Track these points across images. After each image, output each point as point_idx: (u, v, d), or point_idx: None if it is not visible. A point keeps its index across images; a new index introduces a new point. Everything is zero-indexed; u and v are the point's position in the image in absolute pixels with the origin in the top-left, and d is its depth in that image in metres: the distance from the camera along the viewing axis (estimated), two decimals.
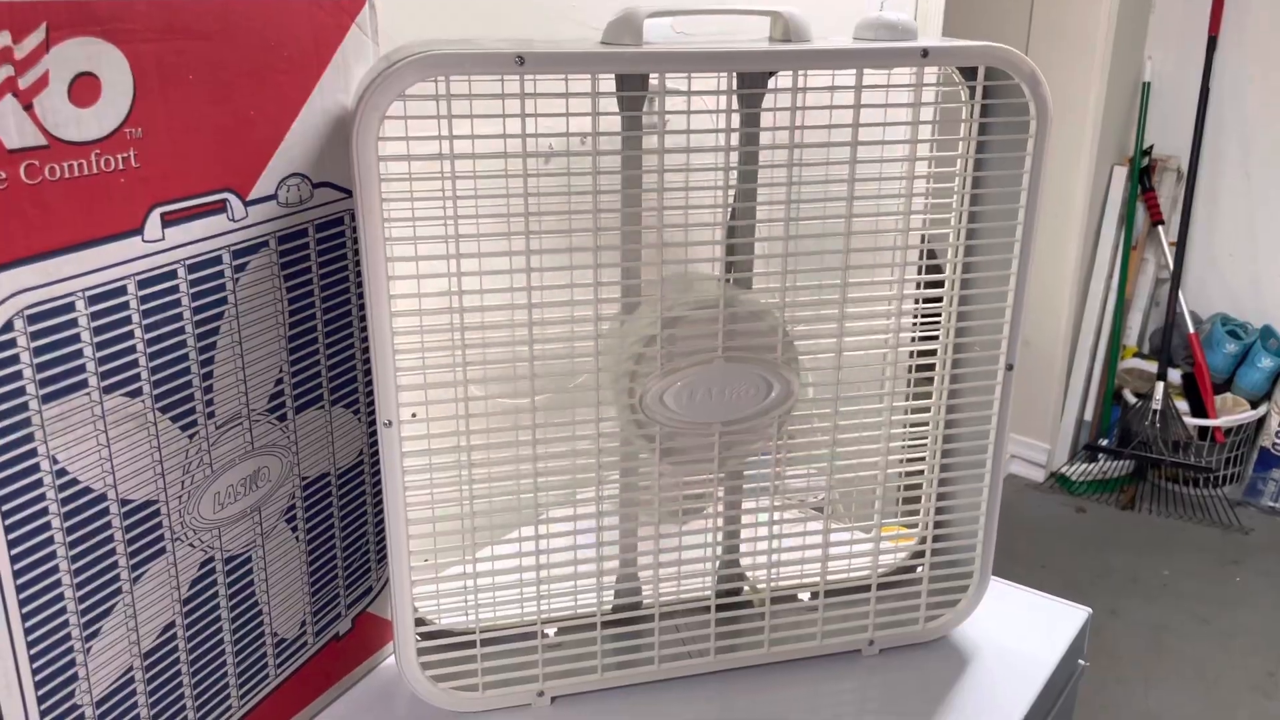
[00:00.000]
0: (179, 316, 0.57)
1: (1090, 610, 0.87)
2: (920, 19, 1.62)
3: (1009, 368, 0.75)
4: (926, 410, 0.77)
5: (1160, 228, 2.68)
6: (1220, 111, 2.61)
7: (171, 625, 0.60)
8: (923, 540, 0.81)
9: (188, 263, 0.57)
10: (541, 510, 0.70)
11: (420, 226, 0.62)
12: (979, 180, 0.72)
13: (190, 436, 0.58)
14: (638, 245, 0.68)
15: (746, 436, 0.72)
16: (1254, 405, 2.60)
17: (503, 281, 0.64)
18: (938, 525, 0.80)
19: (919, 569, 0.81)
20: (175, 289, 0.56)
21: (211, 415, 0.59)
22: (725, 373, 0.69)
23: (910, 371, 0.76)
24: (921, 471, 0.79)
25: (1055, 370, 2.68)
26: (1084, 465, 2.65)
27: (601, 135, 0.63)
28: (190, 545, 0.60)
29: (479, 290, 0.64)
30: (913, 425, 0.78)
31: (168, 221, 0.55)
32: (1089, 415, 2.74)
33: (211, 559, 0.61)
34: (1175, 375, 2.65)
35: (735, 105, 0.67)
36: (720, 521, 0.76)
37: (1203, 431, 2.58)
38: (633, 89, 0.65)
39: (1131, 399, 2.67)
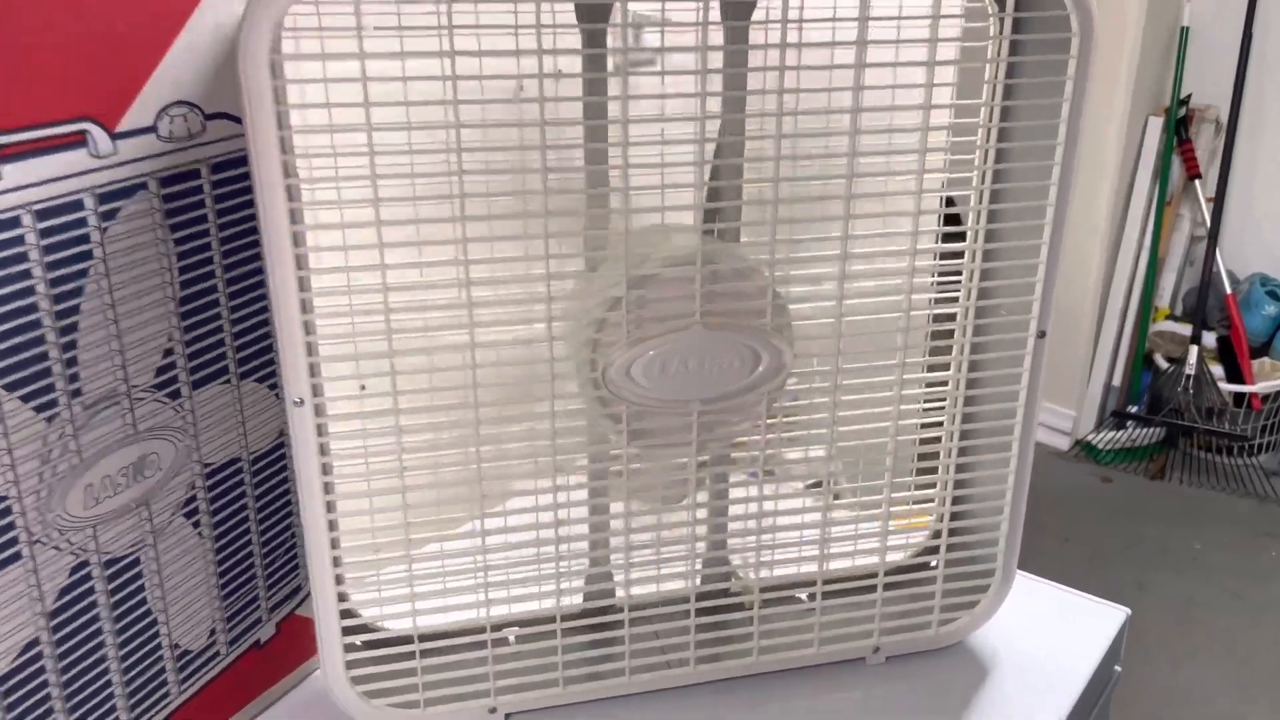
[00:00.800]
0: (26, 274, 0.46)
1: (1129, 611, 0.77)
2: None
3: (1040, 335, 0.64)
4: (944, 382, 0.66)
5: (1197, 182, 2.55)
6: (1263, 58, 2.45)
7: (35, 643, 0.50)
8: (937, 530, 0.70)
9: (36, 208, 0.46)
10: (493, 499, 0.60)
11: (341, 166, 0.52)
12: (1009, 112, 0.60)
13: (49, 420, 0.48)
14: (603, 189, 0.57)
15: (730, 416, 0.61)
16: None
17: (441, 232, 0.54)
18: (955, 513, 0.70)
19: (933, 562, 0.71)
20: (19, 240, 0.46)
21: (77, 394, 0.49)
22: (704, 341, 0.58)
23: (926, 339, 0.65)
24: (937, 451, 0.68)
25: (1082, 333, 2.56)
26: (1111, 433, 2.54)
27: (556, 54, 0.52)
28: (56, 548, 0.50)
29: (415, 242, 0.54)
30: (928, 399, 0.67)
31: (6, 156, 0.45)
32: (1117, 380, 2.62)
33: (86, 563, 0.52)
34: (1210, 338, 2.52)
35: (717, 18, 0.56)
36: (703, 508, 0.66)
37: (1238, 398, 2.46)
38: (596, 18, 0.54)
39: (1163, 363, 2.55)
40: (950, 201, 0.63)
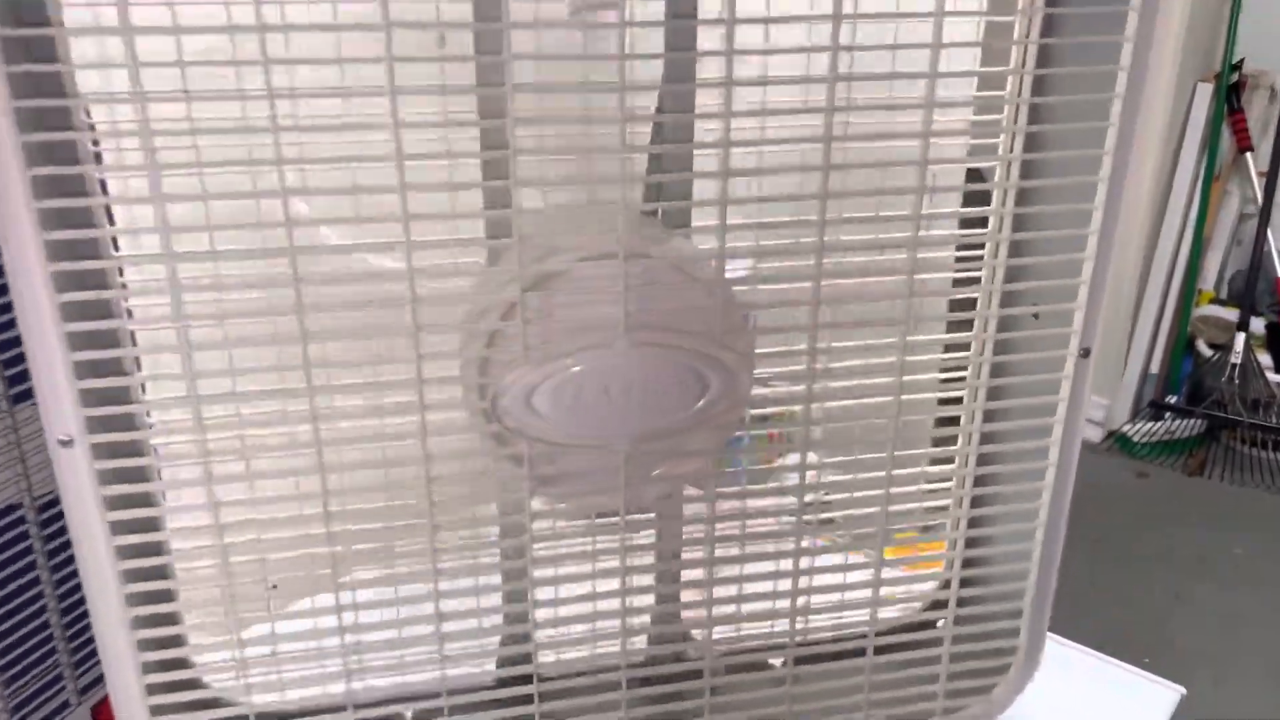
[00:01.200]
0: None
1: (1184, 691, 0.62)
2: None
3: (1084, 354, 0.48)
4: (957, 402, 0.51)
5: (1248, 155, 2.39)
6: None
7: None
8: (945, 583, 0.55)
9: None
10: (346, 569, 0.45)
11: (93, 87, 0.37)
12: (1050, 53, 0.44)
13: None
14: (496, 152, 0.42)
15: (671, 460, 0.47)
16: None
17: (259, 210, 0.39)
18: (969, 561, 0.55)
19: (938, 625, 0.56)
20: None
21: None
22: (632, 361, 0.44)
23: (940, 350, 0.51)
24: (949, 484, 0.53)
25: (1119, 316, 2.41)
26: (1148, 424, 2.40)
27: None
28: None
29: (201, 195, 0.39)
30: (939, 421, 0.52)
31: None
32: (1155, 368, 2.48)
33: None
34: (1258, 325, 2.38)
35: None
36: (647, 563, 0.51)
37: None
38: None
39: (1206, 351, 2.41)
40: (977, 175, 0.48)
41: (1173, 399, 2.43)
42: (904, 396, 0.48)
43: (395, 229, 0.40)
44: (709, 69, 0.43)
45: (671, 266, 0.43)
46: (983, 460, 0.51)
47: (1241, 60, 2.38)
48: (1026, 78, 0.44)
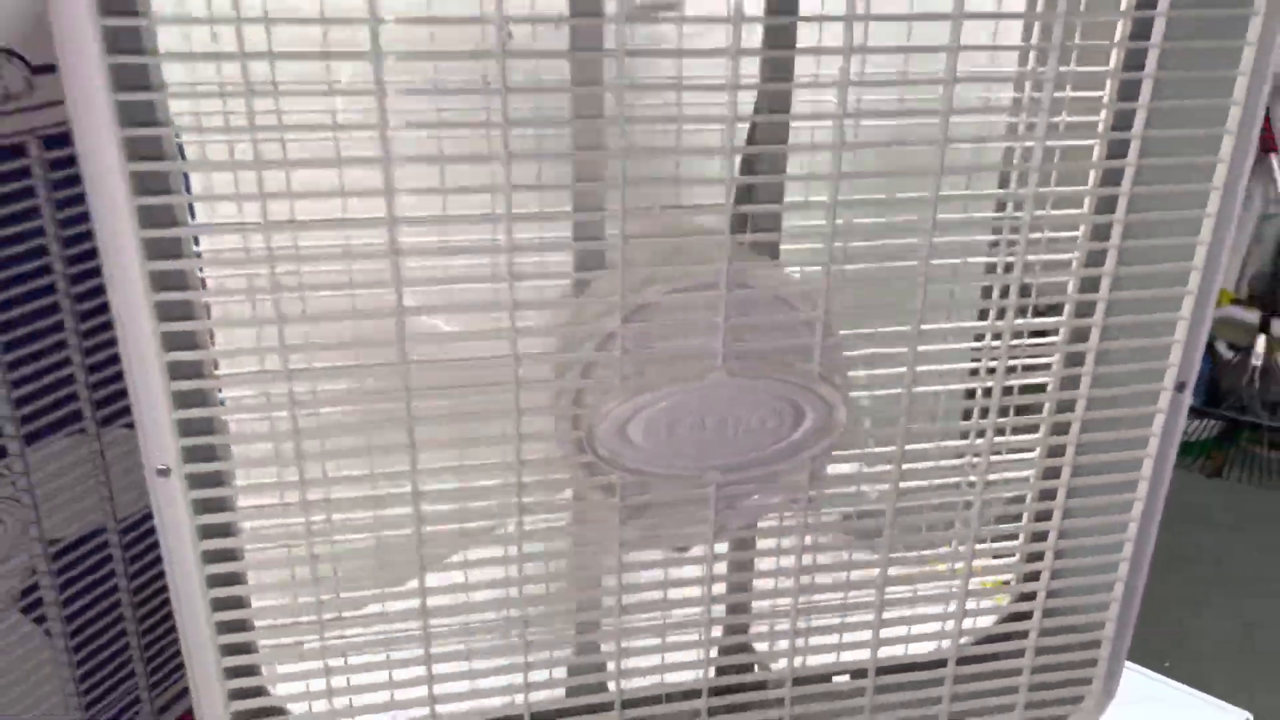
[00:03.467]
0: None
1: (1250, 716, 0.62)
2: None
3: (1179, 388, 0.48)
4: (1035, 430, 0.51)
5: (1272, 156, 2.36)
6: None
7: None
8: (1025, 599, 0.55)
9: None
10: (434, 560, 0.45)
11: (205, 141, 0.36)
12: (1158, 86, 0.44)
13: None
14: (591, 183, 0.41)
15: (760, 488, 0.46)
16: None
17: (360, 242, 0.38)
18: (1053, 591, 0.54)
19: (1020, 643, 0.55)
20: None
21: None
22: (728, 392, 0.43)
23: (1017, 372, 0.50)
24: (1022, 514, 0.53)
25: None
26: None
27: None
28: None
29: (310, 247, 0.38)
30: (1015, 450, 0.51)
31: None
32: None
33: None
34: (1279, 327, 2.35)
35: None
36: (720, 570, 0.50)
37: None
38: None
39: (1225, 352, 2.40)
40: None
41: (1191, 400, 2.42)
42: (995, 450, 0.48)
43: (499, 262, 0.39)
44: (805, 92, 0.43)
45: (772, 298, 0.43)
46: (1073, 493, 0.51)
47: None
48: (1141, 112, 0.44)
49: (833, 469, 0.47)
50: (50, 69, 0.39)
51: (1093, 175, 0.45)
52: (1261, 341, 2.29)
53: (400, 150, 0.37)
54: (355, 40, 0.36)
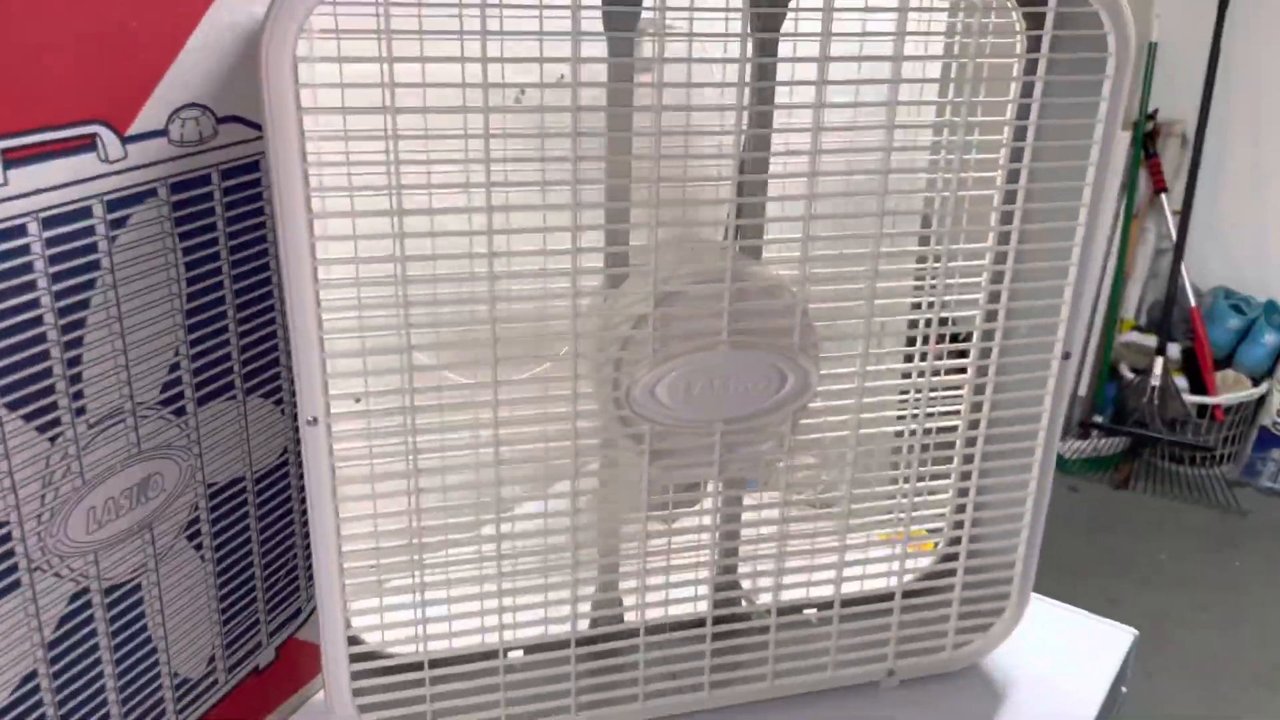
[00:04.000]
0: (31, 285, 0.44)
1: (1136, 633, 0.76)
2: None
3: (1065, 357, 0.63)
4: (961, 400, 0.65)
5: (1163, 196, 2.57)
6: (1230, 75, 2.49)
7: (33, 675, 0.47)
8: (953, 551, 0.69)
9: (42, 215, 0.43)
10: (505, 508, 0.57)
11: (355, 175, 0.49)
12: (1043, 132, 0.59)
13: (52, 440, 0.46)
14: (626, 203, 0.55)
15: (753, 436, 0.60)
16: (1255, 383, 2.51)
17: (459, 245, 0.52)
18: (974, 535, 0.69)
19: (949, 583, 0.69)
20: (25, 249, 0.43)
21: (81, 412, 0.47)
22: (731, 361, 0.57)
23: (944, 357, 0.64)
24: (952, 471, 0.67)
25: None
26: (1077, 442, 2.56)
27: (583, 63, 0.51)
28: (56, 575, 0.47)
29: (430, 256, 0.51)
30: (947, 418, 0.66)
31: (11, 161, 0.42)
32: (1083, 390, 2.65)
33: (86, 590, 0.49)
34: (1175, 350, 2.55)
35: (748, 29, 0.54)
36: (718, 521, 0.64)
37: (1201, 409, 2.49)
38: (622, 4, 0.52)
39: (1128, 374, 2.57)
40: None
41: (1099, 419, 2.60)
42: (926, 414, 0.62)
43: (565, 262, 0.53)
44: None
45: (762, 289, 0.57)
46: (985, 456, 0.65)
47: (1156, 110, 2.58)
48: (1031, 131, 0.59)
49: (804, 422, 0.61)
50: (231, 119, 0.51)
51: (994, 216, 0.60)
52: (1159, 364, 2.48)
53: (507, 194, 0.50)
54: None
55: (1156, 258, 2.67)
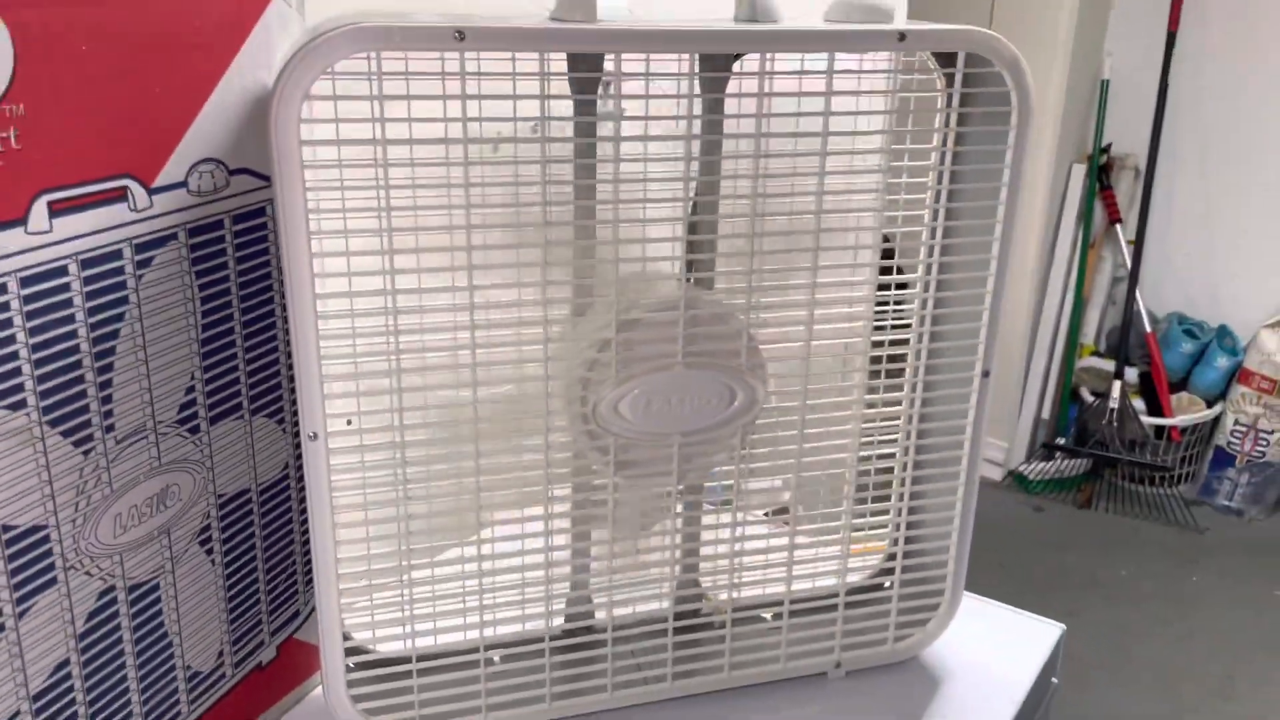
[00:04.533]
0: (70, 319, 0.50)
1: (1064, 627, 0.83)
2: None
3: (985, 374, 0.70)
4: (896, 417, 0.73)
5: (1118, 226, 2.68)
6: (1178, 110, 2.60)
7: (65, 664, 0.53)
8: (892, 554, 0.76)
9: (81, 258, 0.50)
10: (485, 524, 0.64)
11: (350, 219, 0.56)
12: (956, 175, 0.67)
13: (85, 453, 0.52)
14: (591, 241, 0.62)
15: (707, 448, 0.67)
16: (1210, 404, 2.60)
17: (443, 280, 0.59)
18: (909, 538, 0.76)
19: (888, 583, 0.76)
20: (66, 287, 0.50)
21: (110, 429, 0.53)
22: (685, 380, 0.64)
23: (880, 376, 0.72)
24: (891, 481, 0.74)
25: (1013, 369, 2.67)
26: (1041, 464, 2.64)
27: (551, 120, 0.58)
28: (87, 574, 0.53)
29: (417, 289, 0.58)
30: (883, 433, 0.73)
31: (56, 211, 0.49)
32: (1046, 414, 2.73)
33: (112, 588, 0.55)
34: (1132, 374, 2.64)
35: (697, 90, 0.62)
36: (679, 534, 0.71)
37: (1159, 430, 2.58)
38: (586, 70, 0.60)
39: (1089, 397, 2.66)
40: (886, 239, 0.69)
41: (1062, 440, 2.68)
42: (864, 430, 0.69)
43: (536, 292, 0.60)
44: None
45: (712, 316, 0.64)
46: (917, 466, 0.72)
47: (1109, 144, 2.69)
48: (945, 175, 0.66)
49: (753, 436, 0.68)
50: (241, 171, 0.58)
51: (922, 250, 0.68)
52: (1117, 387, 2.57)
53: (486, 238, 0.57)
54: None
55: (1113, 285, 2.77)
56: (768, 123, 0.62)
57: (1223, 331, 2.62)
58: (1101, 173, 2.65)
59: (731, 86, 0.63)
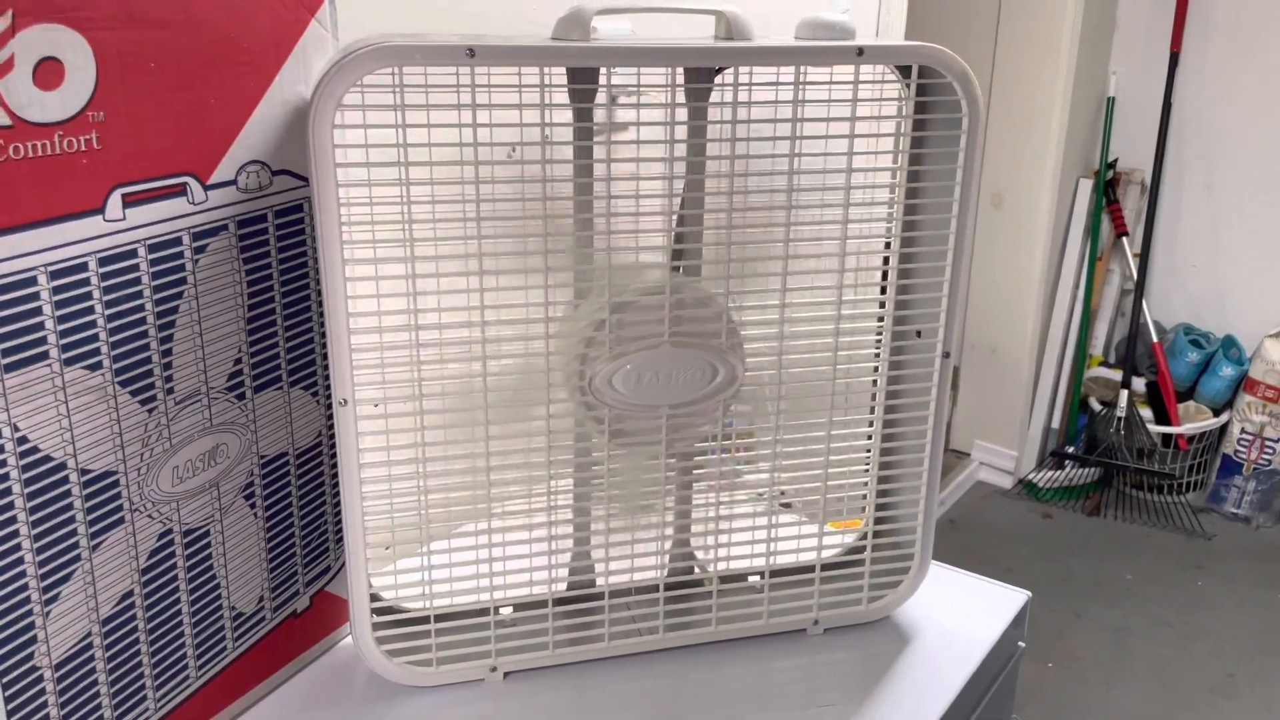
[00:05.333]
0: (139, 294, 0.59)
1: (1029, 594, 0.90)
2: (882, 33, 1.66)
3: (945, 355, 0.78)
4: (870, 399, 0.80)
5: (1125, 239, 2.73)
6: (1182, 126, 2.66)
7: (130, 594, 0.62)
8: (865, 527, 0.83)
9: (148, 242, 0.59)
10: (497, 499, 0.72)
11: (376, 215, 0.65)
12: (915, 175, 0.75)
13: (149, 411, 0.61)
14: (589, 233, 0.71)
15: (693, 420, 0.75)
16: (1216, 413, 2.65)
17: (458, 267, 0.67)
18: (879, 511, 0.83)
19: (863, 553, 0.84)
20: (135, 268, 0.58)
21: (171, 391, 0.62)
22: (671, 357, 0.72)
23: (850, 361, 0.79)
24: (866, 458, 0.81)
25: (1023, 378, 2.72)
26: (1051, 472, 2.69)
27: (552, 126, 0.66)
28: (149, 516, 0.62)
29: (434, 274, 0.67)
30: (854, 411, 0.80)
31: (129, 202, 0.57)
32: (1056, 423, 2.78)
33: (170, 531, 0.63)
34: (1140, 384, 2.69)
35: (682, 99, 0.70)
36: (672, 504, 0.78)
37: (1166, 439, 2.63)
38: (583, 82, 0.68)
39: (1097, 407, 2.71)
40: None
41: (1071, 449, 2.73)
42: (835, 411, 0.77)
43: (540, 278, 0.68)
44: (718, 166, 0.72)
45: (695, 299, 0.72)
46: (887, 439, 0.80)
47: (1115, 159, 2.75)
48: (904, 175, 0.74)
49: (735, 408, 0.76)
50: (283, 172, 0.67)
51: (893, 245, 0.76)
52: (1124, 396, 2.62)
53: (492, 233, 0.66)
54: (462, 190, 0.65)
55: (1121, 297, 2.82)
56: (748, 129, 0.70)
57: (1228, 341, 2.66)
58: (1108, 187, 2.71)
59: (714, 97, 0.71)
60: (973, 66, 0.72)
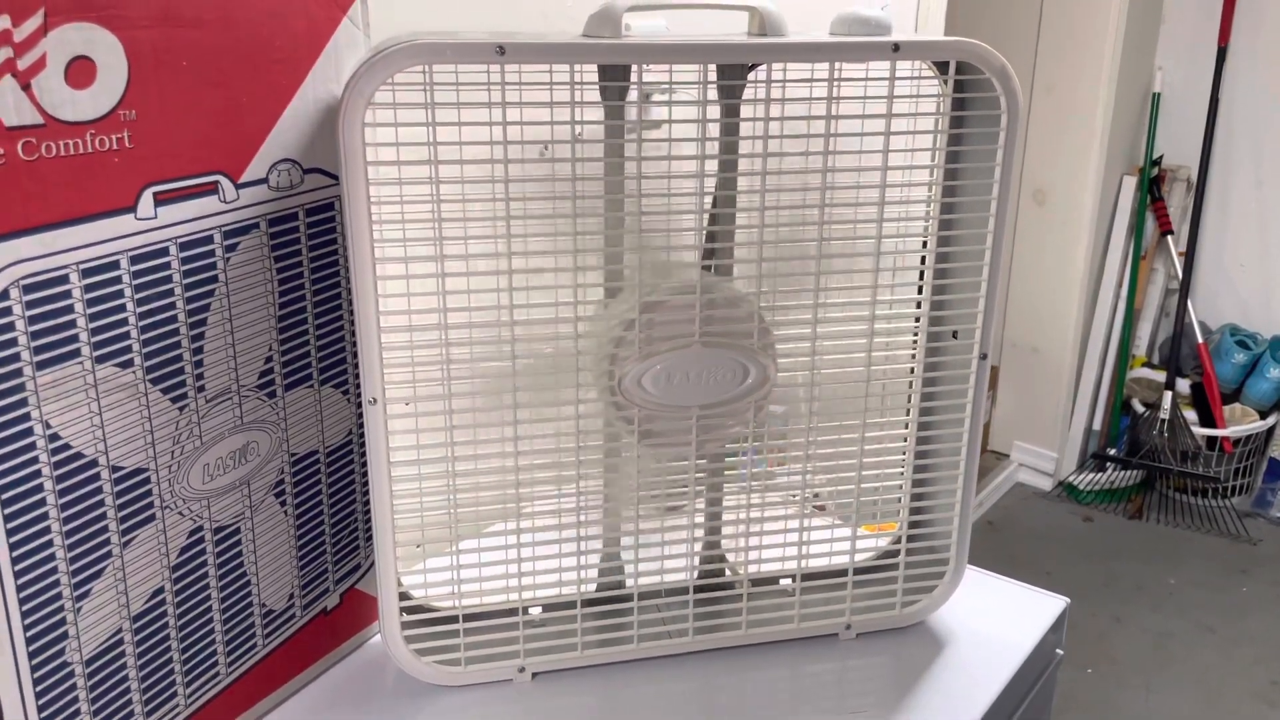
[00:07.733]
0: (170, 292, 0.59)
1: (1068, 600, 0.88)
2: (920, 28, 1.64)
3: (983, 357, 0.76)
4: (905, 400, 0.79)
5: (1169, 237, 2.68)
6: (1230, 122, 2.61)
7: (160, 591, 0.62)
8: (899, 530, 0.82)
9: (180, 241, 0.59)
10: (526, 498, 0.72)
11: (406, 213, 0.65)
12: (952, 173, 0.73)
13: (180, 409, 0.61)
14: (619, 231, 0.70)
15: (723, 420, 0.74)
16: (1263, 416, 2.59)
17: (488, 266, 0.67)
18: (914, 514, 0.82)
19: (897, 556, 0.82)
20: (167, 265, 0.59)
21: (202, 389, 0.62)
22: (702, 357, 0.71)
23: (885, 362, 0.78)
24: (901, 460, 0.80)
25: (1064, 379, 2.68)
26: (1092, 474, 2.65)
27: (583, 124, 0.66)
28: (180, 514, 0.62)
29: (464, 273, 0.66)
30: (889, 413, 0.79)
31: (160, 200, 0.58)
32: (1097, 424, 2.74)
33: (201, 528, 0.64)
34: (1184, 385, 2.64)
35: (715, 97, 0.69)
36: (702, 506, 0.78)
37: (1211, 441, 2.58)
38: (614, 79, 0.68)
39: (1140, 408, 2.67)
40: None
41: (1113, 451, 2.69)
42: (869, 414, 0.76)
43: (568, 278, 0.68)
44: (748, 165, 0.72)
45: (726, 299, 0.71)
46: (921, 442, 0.78)
47: (1161, 156, 2.70)
48: (941, 173, 0.73)
49: (768, 409, 0.75)
50: (314, 170, 0.67)
51: (929, 244, 0.74)
52: (1168, 397, 2.57)
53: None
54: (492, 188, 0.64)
55: (1165, 296, 2.77)
56: (781, 126, 0.69)
57: (1276, 343, 2.61)
58: (1153, 184, 2.66)
59: (747, 94, 0.70)
60: (1014, 61, 0.71)
